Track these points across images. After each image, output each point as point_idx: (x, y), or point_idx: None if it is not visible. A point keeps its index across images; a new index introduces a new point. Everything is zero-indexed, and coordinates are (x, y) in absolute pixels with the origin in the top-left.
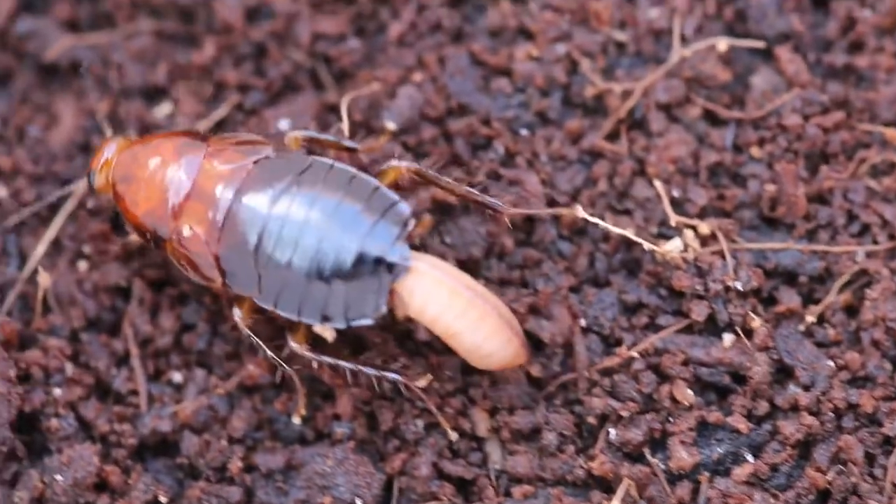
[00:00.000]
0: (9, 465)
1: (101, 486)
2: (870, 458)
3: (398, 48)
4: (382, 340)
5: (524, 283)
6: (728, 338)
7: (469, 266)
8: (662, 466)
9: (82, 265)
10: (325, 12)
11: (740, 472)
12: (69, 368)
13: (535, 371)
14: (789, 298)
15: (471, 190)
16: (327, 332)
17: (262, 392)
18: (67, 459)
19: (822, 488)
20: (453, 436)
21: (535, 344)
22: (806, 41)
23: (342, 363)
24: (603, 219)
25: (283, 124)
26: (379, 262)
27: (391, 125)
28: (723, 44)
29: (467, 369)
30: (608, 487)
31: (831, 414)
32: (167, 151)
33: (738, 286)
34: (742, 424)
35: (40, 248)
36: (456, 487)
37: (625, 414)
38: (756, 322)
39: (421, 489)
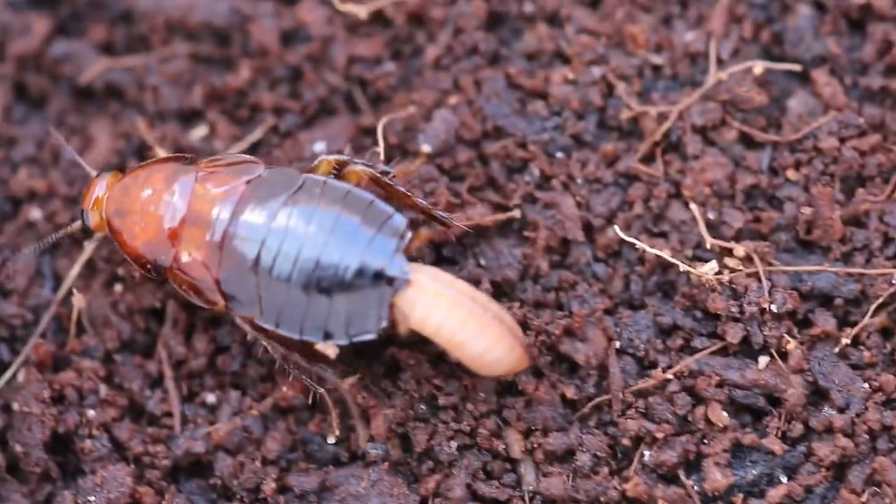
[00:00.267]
0: (43, 487)
1: None
2: None
3: (434, 71)
4: (416, 362)
5: (559, 306)
6: (763, 360)
7: (504, 288)
8: (697, 488)
9: (117, 287)
10: (360, 35)
11: (775, 493)
12: (103, 390)
13: (570, 393)
14: (824, 321)
15: (422, 202)
16: (329, 350)
17: (296, 413)
18: (101, 480)
19: None
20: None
21: (569, 366)
22: (842, 64)
23: (277, 346)
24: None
25: (319, 147)
26: (379, 276)
27: (426, 148)
28: (759, 67)
29: (502, 391)
30: None
31: (866, 436)
32: (158, 180)
33: (774, 308)
34: (777, 446)
35: (75, 270)
36: None
37: (659, 435)
38: (791, 344)
39: None
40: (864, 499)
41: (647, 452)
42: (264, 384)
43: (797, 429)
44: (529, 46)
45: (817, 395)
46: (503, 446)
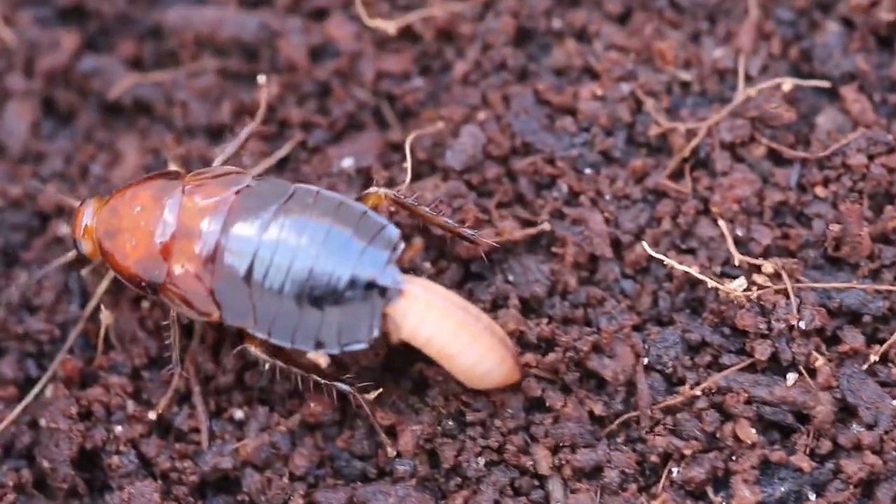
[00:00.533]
0: (70, 503)
1: None
2: None
3: (462, 87)
4: (444, 378)
5: (587, 322)
6: (791, 377)
7: (532, 304)
8: None
9: (144, 303)
10: (389, 51)
11: None
12: (130, 406)
13: (598, 409)
14: (853, 338)
15: (447, 221)
16: (321, 359)
17: (323, 429)
18: (128, 496)
19: None
20: (391, 452)
21: (597, 382)
22: (871, 81)
23: (294, 369)
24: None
25: (347, 163)
26: (371, 286)
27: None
28: (788, 83)
29: (529, 407)
30: None
31: (895, 453)
32: (145, 197)
33: (802, 325)
34: (805, 463)
35: (102, 286)
36: None
37: (687, 452)
38: (819, 361)
39: None
40: None
41: (675, 469)
42: (292, 400)
43: (825, 446)
44: (558, 62)
45: (846, 412)
46: (531, 462)
